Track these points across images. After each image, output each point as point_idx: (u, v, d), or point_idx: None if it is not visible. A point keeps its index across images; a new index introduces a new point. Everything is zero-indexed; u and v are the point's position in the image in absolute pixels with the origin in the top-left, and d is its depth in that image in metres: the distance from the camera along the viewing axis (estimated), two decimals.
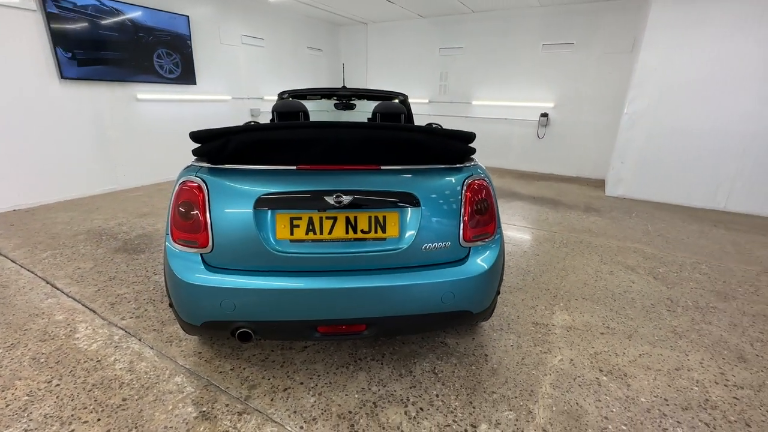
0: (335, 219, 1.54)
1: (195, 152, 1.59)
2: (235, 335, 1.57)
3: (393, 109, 2.68)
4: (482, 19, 6.80)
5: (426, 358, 1.92)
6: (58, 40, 4.11)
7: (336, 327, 1.61)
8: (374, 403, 1.64)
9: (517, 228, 3.92)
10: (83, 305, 2.33)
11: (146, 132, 5.27)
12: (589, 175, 6.59)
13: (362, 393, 1.69)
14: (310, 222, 1.53)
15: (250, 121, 3.55)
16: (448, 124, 3.19)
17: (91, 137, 4.69)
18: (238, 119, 6.51)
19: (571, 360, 1.94)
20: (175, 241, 1.56)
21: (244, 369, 1.82)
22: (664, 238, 3.75)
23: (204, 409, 1.58)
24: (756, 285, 2.83)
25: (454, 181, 1.63)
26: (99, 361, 1.85)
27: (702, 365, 1.94)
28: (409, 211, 1.56)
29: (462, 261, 1.64)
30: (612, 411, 1.63)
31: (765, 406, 1.68)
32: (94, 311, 2.27)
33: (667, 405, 1.67)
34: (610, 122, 6.03)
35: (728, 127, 4.55)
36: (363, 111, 4.02)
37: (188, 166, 1.65)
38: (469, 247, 1.65)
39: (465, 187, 1.62)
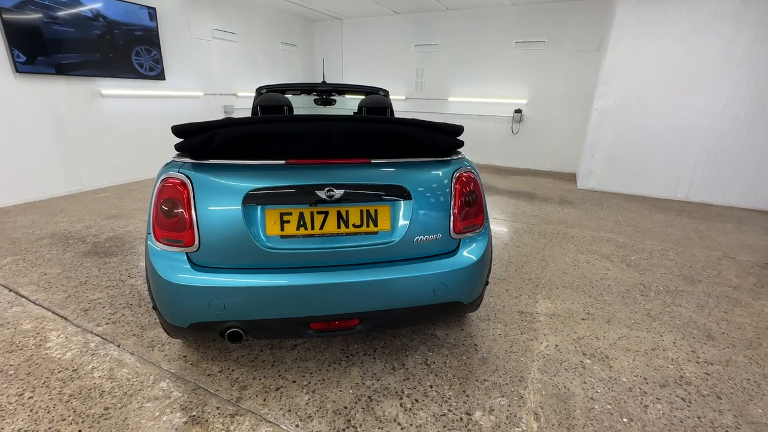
0: (326, 213, 1.52)
1: (178, 147, 1.53)
2: (225, 336, 1.52)
3: (380, 104, 2.66)
4: (456, 16, 6.88)
5: (418, 351, 1.94)
6: (12, 32, 3.83)
7: (329, 323, 1.59)
8: (369, 397, 1.64)
9: (496, 221, 4.01)
10: (53, 312, 2.19)
11: (112, 130, 5.00)
12: (562, 169, 6.82)
13: (356, 388, 1.69)
14: (301, 217, 1.50)
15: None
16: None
17: (51, 135, 4.40)
18: (212, 116, 6.30)
19: (556, 345, 2.01)
20: (159, 241, 1.49)
21: (233, 370, 1.77)
22: (633, 227, 3.94)
23: (194, 413, 1.53)
24: (718, 268, 3.02)
25: (443, 173, 1.64)
26: (75, 370, 1.75)
27: (675, 345, 2.06)
28: (401, 204, 1.57)
29: (452, 253, 1.66)
30: (597, 392, 1.70)
31: (733, 380, 1.80)
32: (65, 318, 2.14)
33: (647, 383, 1.76)
34: (581, 118, 6.27)
35: (689, 123, 4.84)
36: (343, 108, 4.00)
37: (169, 162, 1.58)
38: (459, 239, 1.67)
39: (454, 180, 1.64)
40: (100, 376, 1.71)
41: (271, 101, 2.34)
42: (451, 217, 1.62)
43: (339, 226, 1.53)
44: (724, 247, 3.48)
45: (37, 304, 2.27)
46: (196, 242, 1.46)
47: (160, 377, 1.71)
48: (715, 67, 4.61)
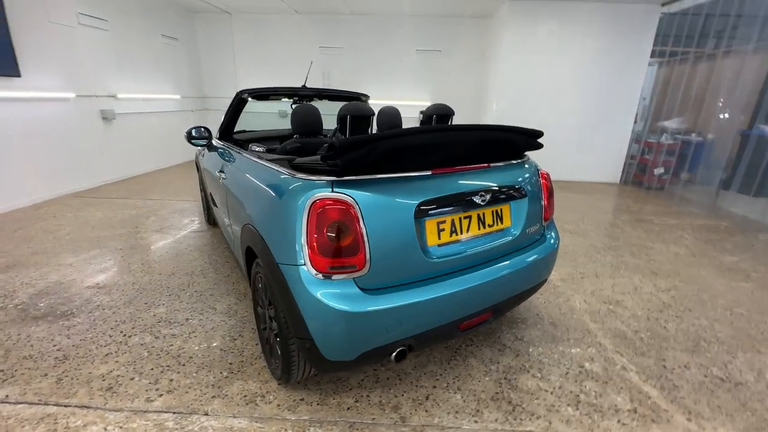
0: (470, 218, 1.61)
1: (325, 163, 1.36)
2: (393, 357, 1.46)
3: (362, 112, 2.29)
4: (361, 21, 7.13)
5: (503, 331, 2.17)
6: None
7: (471, 320, 1.69)
8: (505, 378, 1.81)
9: None
10: (60, 405, 1.58)
11: None
12: None
13: (489, 374, 1.83)
14: (453, 224, 1.56)
15: (200, 127, 2.90)
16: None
17: None
18: (88, 124, 5.01)
19: (585, 300, 2.54)
20: (323, 270, 1.33)
21: (367, 396, 1.68)
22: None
23: None
24: (622, 227, 4.17)
25: (534, 171, 1.91)
26: None
27: (642, 282, 2.85)
28: (519, 202, 1.77)
29: (542, 238, 1.95)
30: (633, 325, 2.27)
31: (687, 296, 2.64)
32: (87, 407, 1.58)
33: (651, 312, 2.43)
34: (475, 118, 7.36)
35: (561, 121, 6.29)
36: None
37: (304, 183, 1.39)
38: (545, 226, 1.98)
39: (540, 176, 1.93)
40: None
41: (360, 111, 2.16)
42: (543, 208, 1.91)
43: (479, 228, 1.64)
44: (612, 210, 4.77)
45: (22, 403, 1.59)
46: (367, 265, 1.36)
47: (302, 429, 1.50)
48: (571, 81, 6.12)
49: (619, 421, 1.58)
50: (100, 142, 5.28)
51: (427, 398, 1.68)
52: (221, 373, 1.79)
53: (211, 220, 3.66)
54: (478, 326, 1.75)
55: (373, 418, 1.56)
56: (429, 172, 1.53)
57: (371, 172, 1.42)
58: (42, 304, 2.33)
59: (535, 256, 1.81)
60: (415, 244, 1.43)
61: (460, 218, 1.57)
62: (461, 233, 1.58)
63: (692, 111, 6.40)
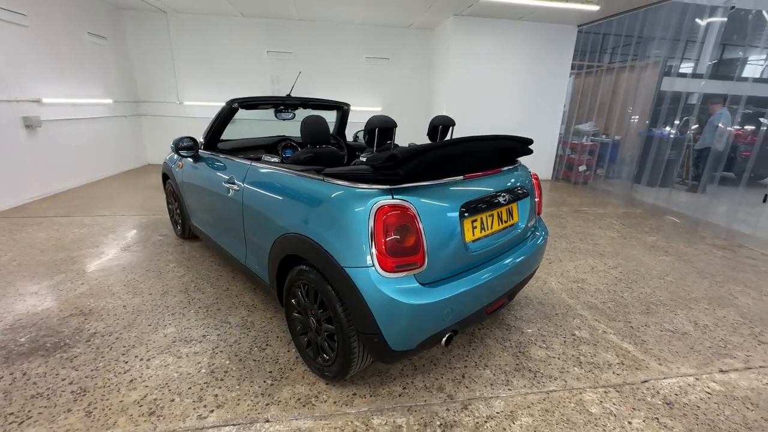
0: (493, 216, 1.86)
1: (382, 172, 1.51)
2: (444, 341, 1.66)
3: (390, 124, 2.57)
4: (310, 27, 7.14)
5: (505, 315, 2.48)
6: None
7: (494, 305, 1.94)
8: (519, 352, 2.10)
9: None
10: None
11: None
12: None
13: (505, 350, 2.11)
14: (482, 221, 1.80)
15: (187, 137, 2.76)
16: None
17: None
18: (4, 134, 4.38)
19: (558, 282, 2.98)
20: (391, 270, 1.47)
21: (412, 382, 1.84)
22: None
23: (438, 423, 1.60)
24: (566, 217, 4.82)
25: (528, 173, 2.24)
26: None
27: (596, 262, 3.40)
28: (524, 200, 2.08)
29: (536, 231, 2.30)
30: (601, 297, 2.74)
31: (629, 272, 3.23)
32: None
33: (608, 285, 2.94)
34: (423, 123, 7.78)
35: (502, 124, 6.96)
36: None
37: (365, 192, 1.52)
38: (538, 220, 2.33)
39: (532, 178, 2.27)
40: None
41: (386, 124, 2.33)
42: (536, 205, 2.25)
43: (499, 224, 1.91)
44: (553, 203, 5.47)
45: None
46: (426, 262, 1.54)
47: (366, 419, 1.62)
48: (509, 88, 6.84)
49: (614, 373, 1.96)
50: (24, 153, 4.62)
51: (463, 377, 1.90)
52: (265, 381, 1.82)
53: (186, 233, 3.47)
54: (499, 309, 2.02)
55: (425, 400, 1.74)
56: (461, 178, 1.76)
57: (419, 180, 1.60)
58: (23, 339, 2.09)
59: (535, 246, 2.14)
60: (460, 241, 1.65)
61: (487, 216, 1.82)
62: (488, 229, 1.83)
63: (601, 116, 7.54)
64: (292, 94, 3.16)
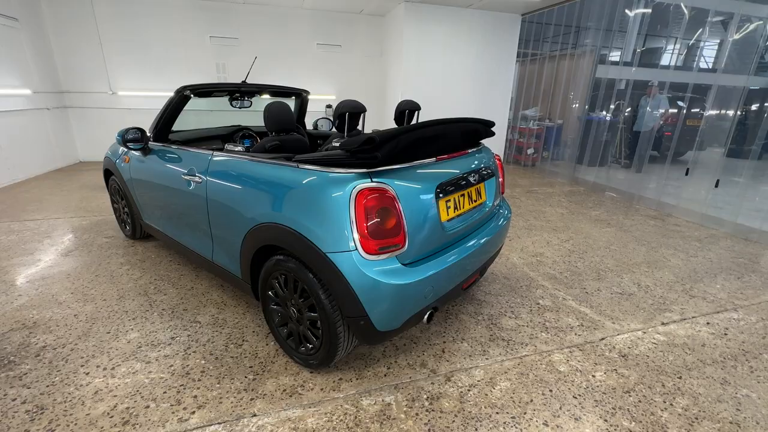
0: (464, 195, 1.93)
1: (358, 156, 1.50)
2: (425, 318, 1.72)
3: (359, 108, 2.61)
4: (256, 11, 6.79)
5: (475, 291, 2.60)
6: None
7: (469, 280, 2.03)
8: (491, 323, 2.22)
9: None
10: None
11: None
12: None
13: (478, 323, 2.22)
14: (455, 201, 1.86)
15: (134, 128, 2.53)
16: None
17: None
18: None
19: (519, 257, 3.17)
20: (373, 252, 1.49)
21: (396, 362, 1.89)
22: None
23: (425, 396, 1.66)
24: (521, 199, 5.10)
25: (491, 156, 2.34)
26: None
27: (552, 238, 3.65)
28: (490, 180, 2.17)
29: (500, 208, 2.42)
30: (558, 269, 2.96)
31: (580, 244, 3.51)
32: None
33: (563, 257, 3.19)
34: (376, 110, 7.77)
35: (456, 109, 7.15)
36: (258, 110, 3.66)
37: (343, 177, 1.51)
38: (502, 199, 2.45)
39: (496, 159, 2.37)
40: None
41: (355, 108, 2.34)
42: (500, 185, 2.37)
43: (470, 203, 1.99)
44: (507, 185, 5.75)
45: None
46: (407, 242, 1.57)
47: (355, 401, 1.64)
48: (462, 74, 7.03)
49: (575, 334, 2.15)
50: None
51: (443, 351, 1.98)
52: (246, 377, 1.77)
53: (138, 233, 3.22)
54: (472, 285, 2.11)
55: (410, 377, 1.79)
56: (434, 160, 1.80)
57: (395, 163, 1.62)
58: None
59: (501, 223, 2.26)
60: (437, 221, 1.70)
61: (459, 196, 1.89)
62: (461, 208, 1.90)
63: (544, 102, 8.01)
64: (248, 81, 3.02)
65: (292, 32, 7.09)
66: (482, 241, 1.99)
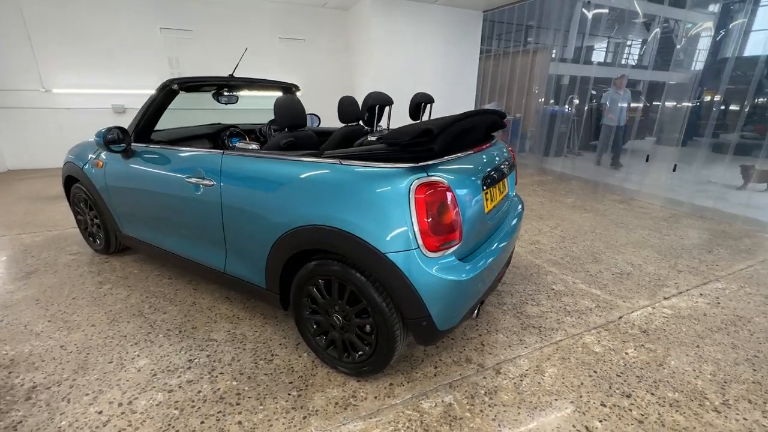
0: (497, 187, 1.93)
1: (412, 150, 1.42)
2: (475, 314, 1.69)
3: (387, 101, 2.63)
4: (212, 3, 6.33)
5: None
6: None
7: (502, 271, 2.03)
8: (518, 312, 2.26)
9: None
10: None
11: None
12: None
13: (505, 313, 2.24)
14: (491, 193, 1.85)
15: (115, 128, 2.20)
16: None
17: None
18: None
19: (520, 246, 3.26)
20: (435, 249, 1.43)
21: (441, 360, 1.84)
22: None
23: (482, 390, 1.64)
24: None
25: (506, 147, 2.37)
26: None
27: (549, 227, 3.80)
28: (512, 172, 2.19)
29: (515, 197, 2.46)
30: (558, 254, 3.09)
31: (572, 233, 3.70)
32: None
33: (560, 242, 3.33)
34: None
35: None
36: (246, 107, 3.39)
37: (398, 172, 1.42)
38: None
39: (510, 151, 2.41)
40: None
41: (384, 101, 2.31)
42: (516, 176, 2.40)
43: (499, 194, 1.98)
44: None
45: None
46: (463, 237, 1.53)
47: (415, 405, 1.57)
48: (429, 69, 7.09)
49: (596, 315, 2.25)
50: None
51: (482, 345, 1.97)
52: (290, 394, 1.63)
53: (113, 247, 2.85)
54: (504, 276, 2.12)
55: (460, 374, 1.76)
56: (471, 152, 1.77)
57: (444, 155, 1.57)
58: None
59: (520, 212, 2.30)
60: (483, 213, 1.67)
61: (493, 188, 1.88)
62: (494, 200, 1.89)
63: (503, 96, 8.35)
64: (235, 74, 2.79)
65: (251, 25, 6.70)
66: (510, 230, 2.01)
